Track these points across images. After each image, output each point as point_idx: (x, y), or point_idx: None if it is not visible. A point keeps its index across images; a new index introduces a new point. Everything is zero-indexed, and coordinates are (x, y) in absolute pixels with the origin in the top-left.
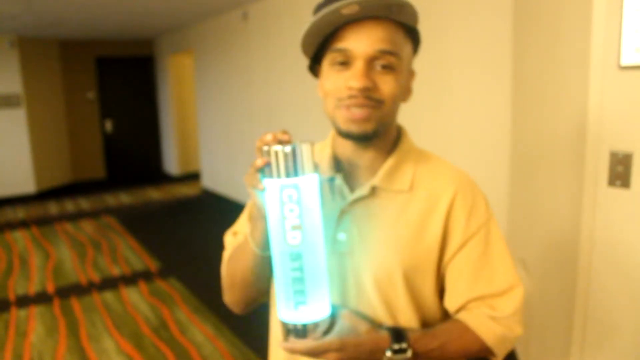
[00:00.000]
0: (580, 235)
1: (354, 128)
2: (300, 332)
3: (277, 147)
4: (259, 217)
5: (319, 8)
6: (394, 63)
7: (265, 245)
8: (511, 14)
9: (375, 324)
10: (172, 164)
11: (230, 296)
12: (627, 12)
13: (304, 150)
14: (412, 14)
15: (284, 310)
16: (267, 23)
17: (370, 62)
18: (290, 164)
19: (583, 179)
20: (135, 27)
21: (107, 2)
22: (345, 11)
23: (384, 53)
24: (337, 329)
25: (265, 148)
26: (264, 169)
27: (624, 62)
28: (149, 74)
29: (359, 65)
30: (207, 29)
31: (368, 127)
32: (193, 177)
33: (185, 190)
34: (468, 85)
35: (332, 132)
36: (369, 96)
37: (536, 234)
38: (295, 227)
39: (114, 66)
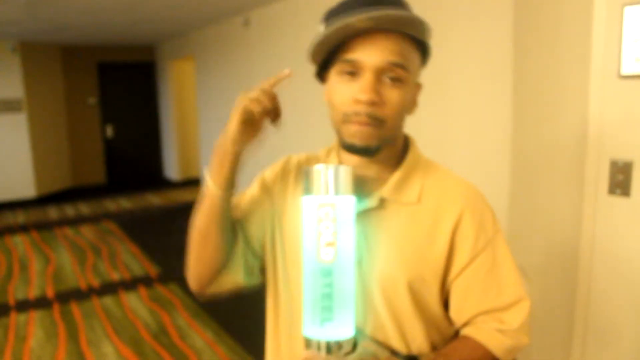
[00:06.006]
0: (580, 243)
1: (357, 142)
2: (324, 349)
3: (320, 167)
4: (229, 153)
5: (328, 17)
6: (403, 76)
7: (227, 183)
8: (511, 22)
9: (393, 352)
10: (172, 169)
11: (191, 263)
12: (627, 22)
13: (345, 172)
14: (424, 29)
15: (309, 325)
16: (268, 29)
17: (379, 74)
18: (330, 183)
19: (583, 187)
20: (136, 32)
21: (108, 8)
22: (359, 25)
23: (393, 65)
24: (358, 351)
25: (306, 168)
26: (305, 186)
27: (624, 71)
28: (150, 79)
29: (367, 77)
30: (209, 35)
31: (371, 143)
32: (193, 182)
33: (186, 196)
34: (468, 92)
35: (337, 141)
36: (373, 115)
37: (536, 242)
38: (329, 244)
39: (115, 71)
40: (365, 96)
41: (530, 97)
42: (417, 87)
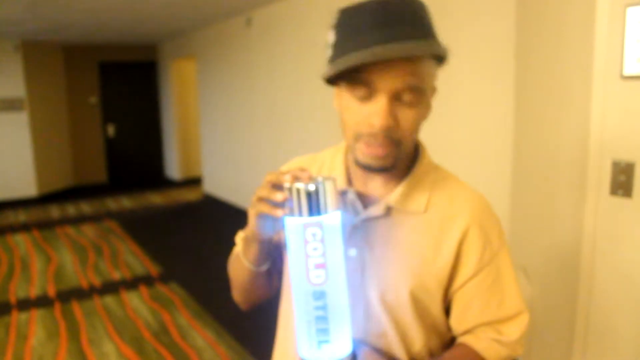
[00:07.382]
0: (582, 243)
1: (373, 163)
2: None
3: (300, 185)
4: (254, 241)
5: (341, 27)
6: (419, 97)
7: (258, 262)
8: (514, 23)
9: None
10: (173, 168)
11: (236, 296)
12: (629, 23)
13: (328, 187)
14: (441, 51)
15: (306, 349)
16: (270, 29)
17: (394, 96)
18: (315, 202)
19: (585, 188)
20: (138, 32)
21: (110, 8)
22: (375, 59)
23: (409, 88)
24: None
25: (287, 185)
26: (284, 205)
27: (627, 72)
28: (151, 79)
29: (382, 102)
30: (211, 35)
31: (387, 163)
32: (194, 182)
33: (187, 195)
34: (470, 94)
35: (345, 142)
36: (389, 137)
37: (538, 243)
38: (318, 266)
39: (116, 71)
40: (380, 122)
41: (532, 98)
42: (433, 91)
